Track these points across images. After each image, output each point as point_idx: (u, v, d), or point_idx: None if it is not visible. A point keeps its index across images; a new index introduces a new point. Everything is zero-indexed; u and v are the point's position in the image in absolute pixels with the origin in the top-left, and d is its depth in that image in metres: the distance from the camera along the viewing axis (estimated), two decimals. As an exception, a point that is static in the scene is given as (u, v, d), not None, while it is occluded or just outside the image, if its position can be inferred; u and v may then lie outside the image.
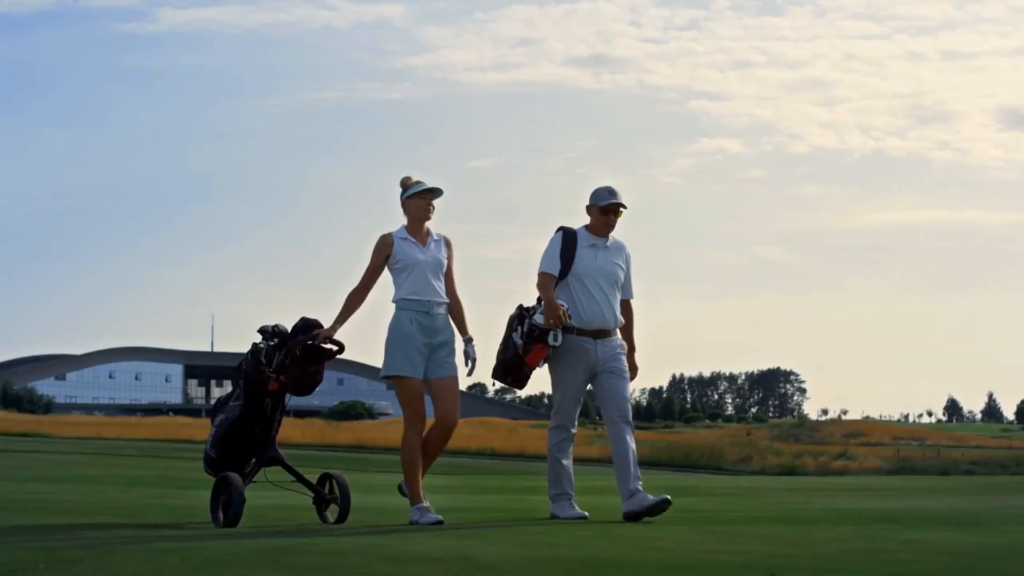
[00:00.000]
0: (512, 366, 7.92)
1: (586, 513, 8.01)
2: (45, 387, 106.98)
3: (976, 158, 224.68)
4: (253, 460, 7.84)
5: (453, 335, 7.87)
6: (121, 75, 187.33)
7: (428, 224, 7.92)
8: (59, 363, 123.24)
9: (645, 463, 49.95)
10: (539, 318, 7.76)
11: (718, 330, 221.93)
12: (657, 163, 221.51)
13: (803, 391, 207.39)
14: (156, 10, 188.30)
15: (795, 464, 49.83)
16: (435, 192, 7.89)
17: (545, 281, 7.91)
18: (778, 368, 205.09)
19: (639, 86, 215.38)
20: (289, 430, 57.70)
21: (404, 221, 7.93)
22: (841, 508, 10.07)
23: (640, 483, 7.79)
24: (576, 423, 8.04)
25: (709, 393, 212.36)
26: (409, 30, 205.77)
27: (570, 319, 7.78)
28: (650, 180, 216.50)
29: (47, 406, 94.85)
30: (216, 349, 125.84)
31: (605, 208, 8.06)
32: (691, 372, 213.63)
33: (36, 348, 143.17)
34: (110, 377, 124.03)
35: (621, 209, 8.12)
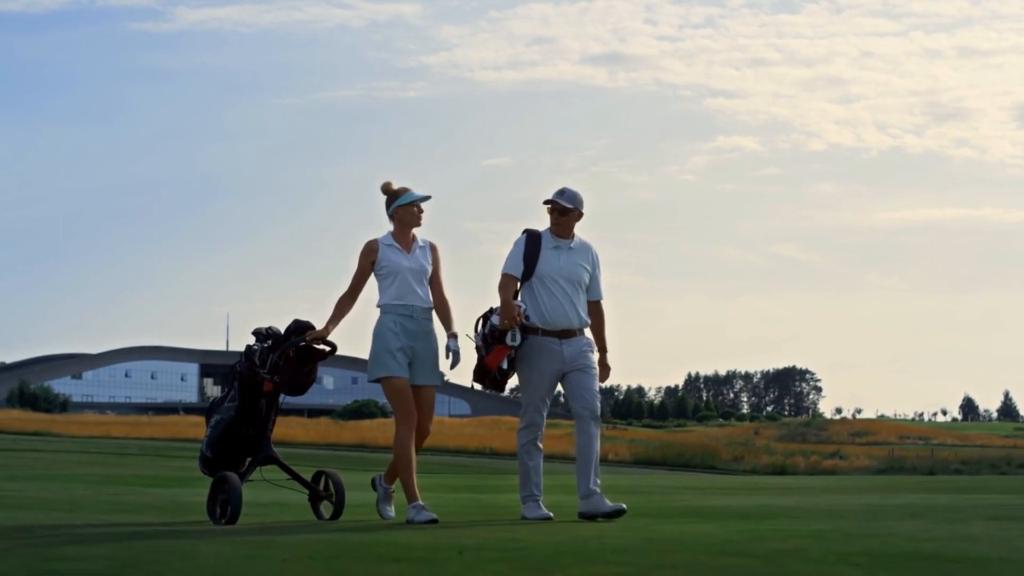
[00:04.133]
0: (482, 369, 8.03)
1: (551, 514, 8.02)
2: (61, 386, 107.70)
3: (994, 155, 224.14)
4: (249, 459, 8.00)
5: (436, 342, 7.97)
6: (136, 74, 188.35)
7: (415, 230, 8.07)
8: (75, 362, 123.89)
9: (640, 462, 51.08)
10: (496, 319, 7.95)
11: (734, 328, 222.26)
12: (673, 161, 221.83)
13: (819, 390, 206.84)
14: (172, 9, 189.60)
15: (786, 463, 50.61)
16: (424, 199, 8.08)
17: (505, 282, 8.05)
18: (793, 367, 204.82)
19: (655, 84, 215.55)
20: (294, 429, 58.78)
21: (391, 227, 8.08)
22: (696, 505, 10.85)
23: (599, 484, 7.88)
24: (543, 424, 8.05)
25: (725, 392, 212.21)
26: (424, 28, 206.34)
27: (527, 319, 7.94)
28: (666, 178, 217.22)
29: (63, 405, 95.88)
30: (231, 348, 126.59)
31: (548, 208, 8.18)
32: (707, 371, 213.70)
33: (53, 347, 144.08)
34: (126, 376, 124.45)
35: (567, 209, 8.10)
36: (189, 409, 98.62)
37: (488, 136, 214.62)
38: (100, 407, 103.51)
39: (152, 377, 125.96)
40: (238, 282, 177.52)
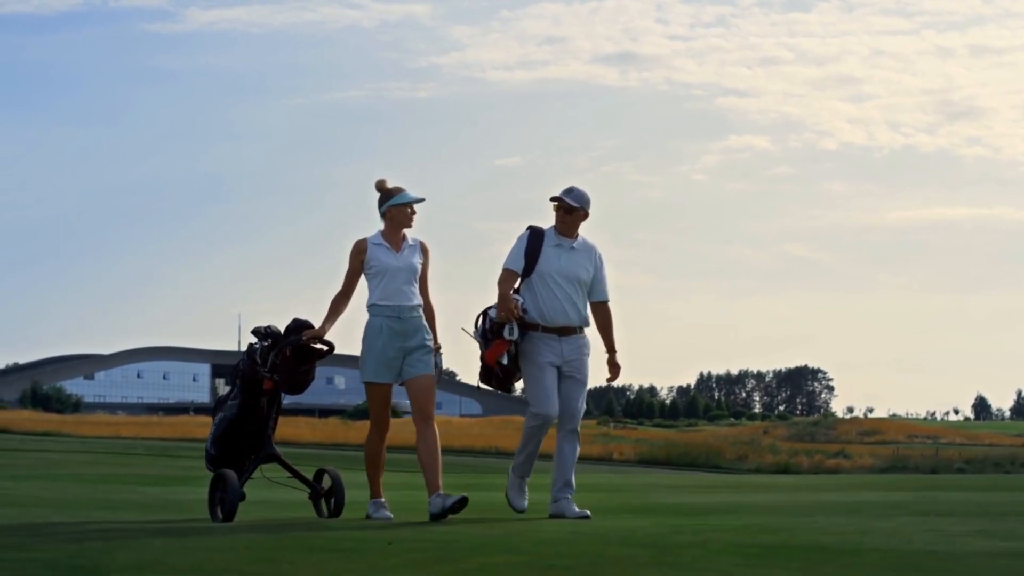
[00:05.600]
0: (486, 368, 8.06)
1: (525, 505, 8.10)
2: (74, 387, 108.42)
3: (1006, 154, 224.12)
4: (252, 457, 8.10)
5: (428, 336, 7.99)
6: (148, 75, 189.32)
7: (405, 230, 8.07)
8: (88, 363, 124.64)
9: (645, 462, 51.37)
10: (495, 312, 7.99)
11: (746, 328, 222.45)
12: (685, 160, 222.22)
13: (831, 389, 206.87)
14: (183, 10, 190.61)
15: (789, 463, 50.89)
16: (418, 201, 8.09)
17: (504, 276, 8.09)
18: (805, 366, 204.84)
19: (666, 83, 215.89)
20: (301, 429, 59.16)
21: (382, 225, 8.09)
22: (655, 503, 11.19)
23: (570, 492, 8.03)
24: (554, 417, 8.01)
25: (737, 391, 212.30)
26: (435, 28, 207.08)
27: (525, 313, 7.96)
28: (678, 178, 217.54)
29: (75, 405, 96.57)
30: (243, 348, 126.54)
31: (555, 205, 8.22)
32: (719, 370, 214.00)
33: (65, 348, 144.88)
34: (138, 377, 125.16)
35: (572, 207, 8.15)
36: (200, 409, 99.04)
37: (499, 136, 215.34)
38: (112, 407, 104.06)
39: (164, 377, 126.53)
40: (249, 282, 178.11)
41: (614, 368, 8.34)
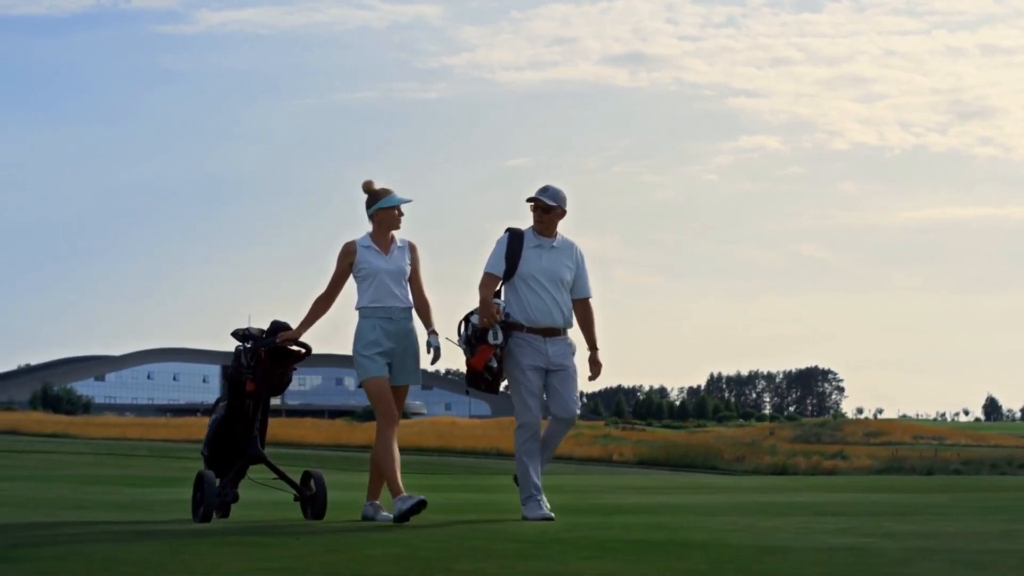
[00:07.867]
0: (472, 373, 8.06)
1: (552, 514, 8.02)
2: (85, 388, 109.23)
3: (1018, 154, 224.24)
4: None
5: (416, 342, 8.04)
6: (158, 76, 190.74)
7: (393, 231, 8.09)
8: (98, 364, 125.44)
9: (645, 463, 51.84)
10: (476, 319, 8.03)
11: (756, 328, 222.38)
12: (696, 161, 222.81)
13: (841, 390, 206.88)
14: (194, 12, 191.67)
15: (787, 464, 51.38)
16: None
17: (485, 281, 8.11)
18: (816, 367, 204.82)
19: (676, 84, 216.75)
20: (305, 431, 59.79)
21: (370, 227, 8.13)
22: (596, 503, 11.65)
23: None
24: (540, 421, 8.04)
25: (747, 392, 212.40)
26: (445, 30, 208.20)
27: (507, 316, 8.02)
28: (689, 178, 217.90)
29: (86, 407, 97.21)
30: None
31: (531, 205, 8.24)
32: (729, 371, 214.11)
33: (76, 349, 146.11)
34: (148, 378, 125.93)
35: (550, 206, 8.18)
36: (209, 411, 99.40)
37: (508, 137, 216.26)
38: (122, 409, 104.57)
39: (174, 379, 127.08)
40: (259, 283, 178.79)
41: (595, 366, 8.30)
